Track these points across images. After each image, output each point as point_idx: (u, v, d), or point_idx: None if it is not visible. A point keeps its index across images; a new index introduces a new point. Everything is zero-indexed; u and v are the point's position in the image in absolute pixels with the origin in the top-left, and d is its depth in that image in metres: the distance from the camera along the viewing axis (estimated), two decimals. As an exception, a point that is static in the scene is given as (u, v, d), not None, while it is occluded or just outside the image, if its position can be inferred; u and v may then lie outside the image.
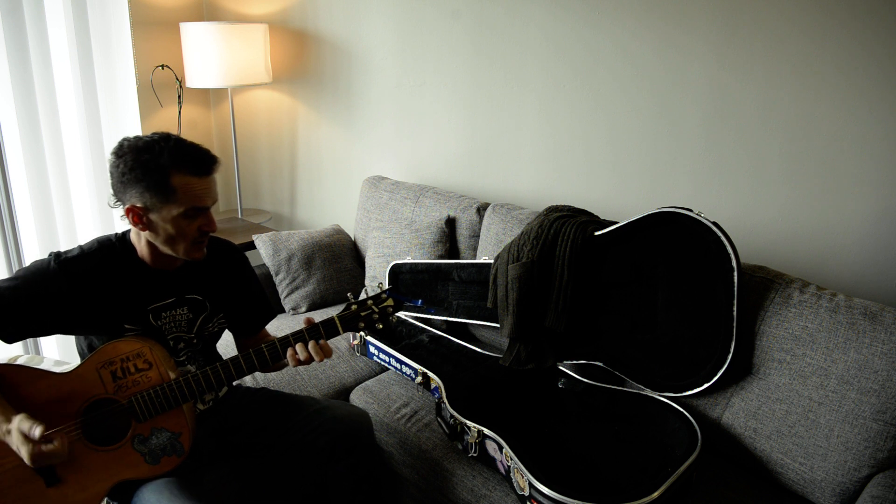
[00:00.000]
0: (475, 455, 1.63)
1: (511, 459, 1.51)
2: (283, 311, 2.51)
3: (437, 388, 1.84)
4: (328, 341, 1.42)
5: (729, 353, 1.61)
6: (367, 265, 2.51)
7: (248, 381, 1.99)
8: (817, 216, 1.85)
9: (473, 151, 2.55)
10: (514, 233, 2.04)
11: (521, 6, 2.25)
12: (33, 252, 2.57)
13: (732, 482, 1.55)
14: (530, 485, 1.42)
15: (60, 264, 1.35)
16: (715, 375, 1.63)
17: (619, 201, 2.20)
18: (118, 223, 2.83)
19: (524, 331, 1.86)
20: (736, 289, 1.58)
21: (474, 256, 2.26)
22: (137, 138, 1.33)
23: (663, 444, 1.57)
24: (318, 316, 2.39)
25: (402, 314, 2.29)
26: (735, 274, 1.58)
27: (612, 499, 1.35)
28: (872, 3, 1.65)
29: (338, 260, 2.56)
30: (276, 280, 2.49)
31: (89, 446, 1.34)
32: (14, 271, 1.38)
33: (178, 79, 2.98)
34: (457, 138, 2.58)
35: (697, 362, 1.66)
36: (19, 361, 1.70)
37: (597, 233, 1.78)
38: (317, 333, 1.40)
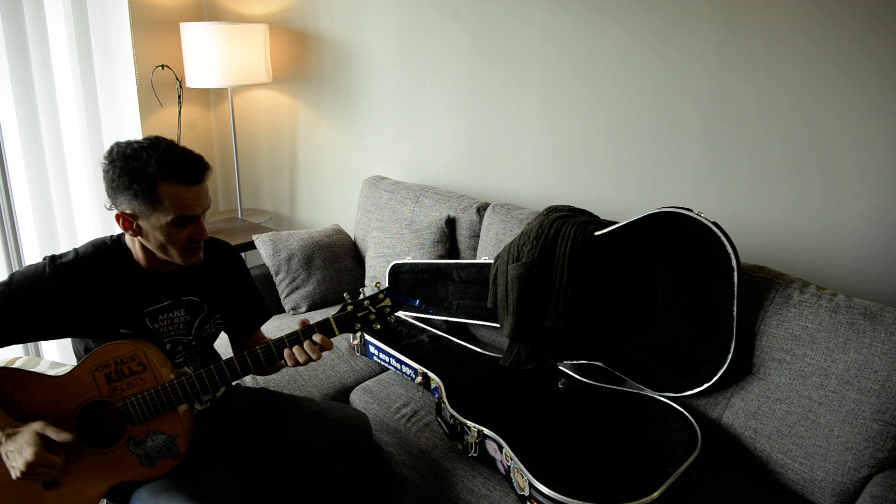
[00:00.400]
0: (475, 455, 1.63)
1: (511, 459, 1.51)
2: (283, 311, 2.51)
3: (437, 388, 1.84)
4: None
5: (729, 353, 1.61)
6: (367, 265, 2.51)
7: (247, 381, 1.99)
8: (817, 216, 1.85)
9: (473, 151, 2.55)
10: (514, 233, 2.04)
11: (521, 6, 2.25)
12: (33, 252, 2.57)
13: (732, 482, 1.55)
14: (530, 485, 1.42)
15: (55, 269, 1.34)
16: (715, 375, 1.63)
17: (619, 201, 2.20)
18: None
19: (524, 331, 1.86)
20: (736, 289, 1.58)
21: (474, 256, 2.26)
22: (128, 144, 1.31)
23: (663, 444, 1.57)
24: (318, 316, 2.40)
25: (401, 314, 2.29)
26: (735, 274, 1.58)
27: (612, 499, 1.35)
28: (872, 3, 1.65)
29: (338, 260, 2.56)
30: (276, 280, 2.49)
31: (85, 449, 1.34)
32: (11, 273, 1.37)
33: (178, 79, 2.98)
34: (457, 138, 2.58)
35: (697, 362, 1.66)
36: (17, 364, 1.70)
37: (597, 233, 1.78)
38: (312, 335, 1.38)
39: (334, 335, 1.39)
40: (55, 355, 2.67)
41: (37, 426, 1.25)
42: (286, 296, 2.48)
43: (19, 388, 1.32)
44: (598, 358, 1.86)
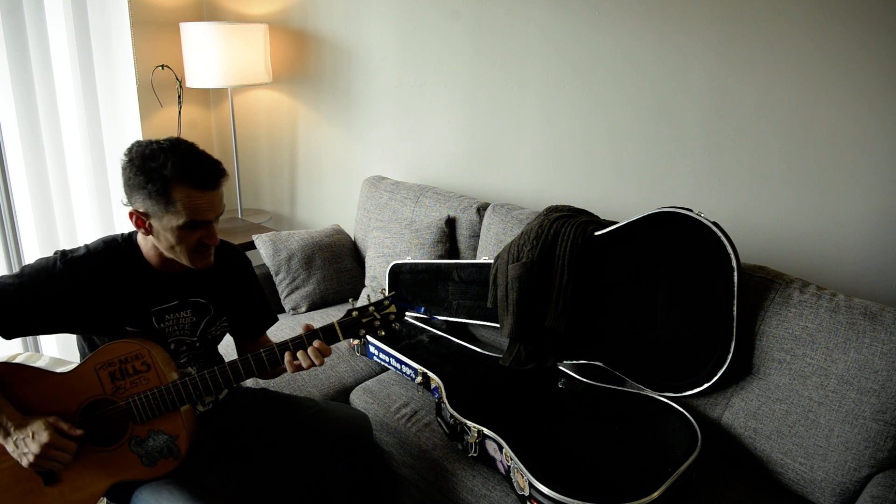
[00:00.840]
0: (475, 455, 1.63)
1: (511, 459, 1.51)
2: (283, 311, 2.51)
3: (437, 388, 1.84)
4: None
5: (729, 353, 1.61)
6: (367, 265, 2.51)
7: (248, 381, 1.99)
8: (817, 216, 1.85)
9: (473, 151, 2.55)
10: (514, 233, 2.04)
11: (521, 6, 2.25)
12: (33, 252, 2.57)
13: (732, 482, 1.55)
14: (530, 485, 1.42)
15: (66, 264, 1.35)
16: (715, 375, 1.63)
17: (619, 201, 2.20)
18: (118, 223, 2.84)
19: (524, 331, 1.86)
20: (736, 289, 1.58)
21: (474, 256, 2.26)
22: (148, 143, 1.31)
23: (663, 444, 1.57)
24: (318, 316, 2.40)
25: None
26: (735, 274, 1.58)
27: (612, 499, 1.35)
28: (872, 3, 1.65)
29: (338, 260, 2.56)
30: (276, 280, 2.49)
31: (87, 446, 1.34)
32: (22, 266, 1.38)
33: (178, 79, 2.98)
34: (457, 138, 2.58)
35: (697, 362, 1.66)
36: (19, 359, 1.70)
37: (597, 233, 1.78)
38: (316, 340, 1.39)
39: (339, 340, 1.39)
40: (54, 351, 2.67)
41: (48, 418, 1.29)
42: (286, 296, 2.48)
43: (24, 384, 1.32)
44: (598, 358, 1.86)
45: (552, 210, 1.94)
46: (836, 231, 1.83)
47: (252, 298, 1.63)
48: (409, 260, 2.26)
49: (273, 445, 1.59)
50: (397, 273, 2.28)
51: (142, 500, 1.36)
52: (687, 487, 1.49)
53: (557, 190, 2.35)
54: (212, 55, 2.73)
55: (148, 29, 2.92)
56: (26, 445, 1.26)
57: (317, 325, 1.42)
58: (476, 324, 2.19)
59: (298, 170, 3.20)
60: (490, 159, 2.51)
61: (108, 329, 1.39)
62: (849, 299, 1.53)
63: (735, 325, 1.59)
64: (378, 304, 1.41)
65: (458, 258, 2.30)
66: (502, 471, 1.58)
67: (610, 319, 1.82)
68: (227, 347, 1.93)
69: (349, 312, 1.41)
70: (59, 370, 1.35)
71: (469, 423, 1.63)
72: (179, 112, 3.04)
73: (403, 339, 2.13)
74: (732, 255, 1.57)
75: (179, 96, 3.01)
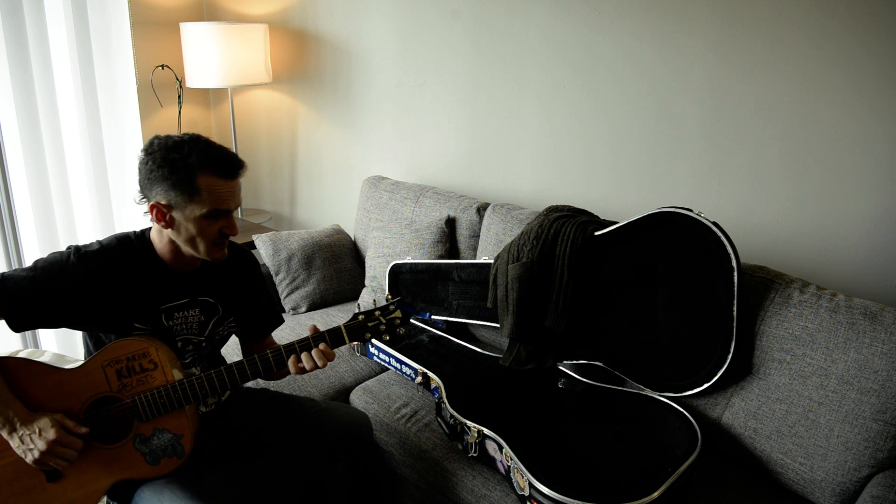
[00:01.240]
0: (475, 455, 1.63)
1: (511, 459, 1.51)
2: (283, 310, 2.51)
3: (437, 388, 1.84)
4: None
5: (729, 353, 1.61)
6: (367, 265, 2.51)
7: (249, 382, 1.99)
8: (817, 216, 1.85)
9: (473, 151, 2.55)
10: (514, 233, 2.04)
11: (521, 6, 2.25)
12: (33, 252, 2.57)
13: (732, 482, 1.55)
14: (530, 485, 1.43)
15: (79, 259, 1.35)
16: (715, 375, 1.63)
17: (619, 201, 2.20)
18: (118, 223, 2.84)
19: (524, 331, 1.86)
20: (736, 289, 1.58)
21: (474, 256, 2.26)
22: (168, 137, 1.35)
23: (663, 444, 1.57)
24: (318, 316, 2.41)
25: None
26: (735, 274, 1.58)
27: (612, 499, 1.35)
28: (872, 3, 1.65)
29: (338, 260, 2.56)
30: (276, 280, 2.49)
31: (91, 443, 1.35)
32: (35, 260, 1.39)
33: (178, 79, 2.98)
34: (457, 138, 2.58)
35: (697, 362, 1.66)
36: (21, 355, 1.70)
37: (597, 233, 1.78)
38: (322, 343, 1.40)
39: (344, 343, 1.41)
40: (55, 347, 2.67)
41: (54, 415, 1.29)
42: (286, 296, 2.48)
43: (31, 379, 1.32)
44: (598, 358, 1.86)
45: (552, 210, 1.94)
46: (836, 231, 1.83)
47: (259, 299, 1.64)
48: (409, 260, 2.26)
49: (273, 445, 1.59)
50: (397, 273, 2.28)
51: (143, 500, 1.36)
52: (687, 487, 1.49)
53: (557, 190, 2.35)
54: (212, 55, 2.73)
55: (148, 29, 2.93)
56: (32, 442, 1.26)
57: (317, 325, 1.42)
58: (476, 324, 2.19)
59: (298, 170, 3.20)
60: (490, 159, 2.51)
61: (116, 325, 1.39)
62: (849, 299, 1.53)
63: (735, 325, 1.59)
64: (384, 309, 1.43)
65: (458, 258, 2.30)
66: (502, 471, 1.58)
67: (610, 319, 1.82)
68: (230, 350, 1.93)
69: (355, 316, 1.43)
70: (66, 367, 1.36)
71: (469, 423, 1.63)
72: (179, 112, 3.04)
73: (403, 339, 2.13)
74: (732, 255, 1.58)
75: (179, 96, 3.01)
